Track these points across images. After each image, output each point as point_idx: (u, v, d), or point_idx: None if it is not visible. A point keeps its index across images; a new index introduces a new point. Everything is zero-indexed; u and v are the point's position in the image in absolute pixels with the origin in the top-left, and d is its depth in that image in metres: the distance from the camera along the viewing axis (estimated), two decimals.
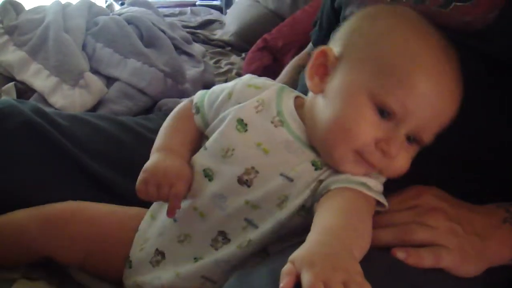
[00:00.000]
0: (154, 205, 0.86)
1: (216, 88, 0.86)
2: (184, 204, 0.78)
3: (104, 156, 0.97)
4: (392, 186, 0.75)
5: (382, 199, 0.70)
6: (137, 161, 0.96)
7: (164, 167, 0.78)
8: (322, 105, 0.73)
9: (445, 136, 0.82)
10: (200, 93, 0.87)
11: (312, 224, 0.61)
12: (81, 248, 0.84)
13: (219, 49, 2.41)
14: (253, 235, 0.73)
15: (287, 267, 0.53)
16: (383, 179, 0.74)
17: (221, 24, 2.85)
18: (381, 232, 0.69)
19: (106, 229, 0.85)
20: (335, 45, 0.75)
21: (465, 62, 0.82)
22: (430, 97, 0.68)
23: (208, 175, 0.77)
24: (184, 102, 0.89)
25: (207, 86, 1.65)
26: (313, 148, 0.74)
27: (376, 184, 0.71)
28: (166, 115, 1.18)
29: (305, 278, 0.50)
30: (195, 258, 0.77)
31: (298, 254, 0.55)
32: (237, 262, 0.74)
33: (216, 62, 2.19)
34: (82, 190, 0.93)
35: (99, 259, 0.85)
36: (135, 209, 0.89)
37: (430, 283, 0.67)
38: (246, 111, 0.77)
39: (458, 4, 0.82)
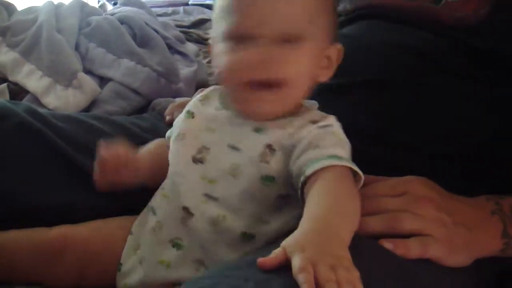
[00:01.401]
0: (145, 209, 0.87)
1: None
2: (158, 191, 0.84)
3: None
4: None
5: (355, 167, 0.70)
6: None
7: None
8: None
9: (433, 130, 0.83)
10: None
11: (304, 213, 0.63)
12: (74, 273, 0.85)
13: None
14: (214, 206, 0.75)
15: (277, 250, 0.55)
16: (335, 127, 0.75)
17: None
18: (370, 220, 0.70)
19: (96, 247, 0.86)
20: None
21: (456, 57, 0.83)
22: (237, 4, 0.74)
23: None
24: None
25: (201, 85, 1.66)
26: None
27: (342, 150, 0.72)
28: (160, 114, 1.19)
29: (295, 261, 0.52)
30: (172, 242, 0.78)
31: (289, 239, 0.56)
32: (220, 242, 0.75)
33: (209, 62, 2.17)
34: (77, 191, 0.93)
35: (93, 275, 0.86)
36: (121, 218, 0.90)
37: (419, 271, 0.68)
38: (193, 104, 0.85)
39: (450, 0, 0.83)
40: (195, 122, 0.82)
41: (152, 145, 0.92)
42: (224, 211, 0.75)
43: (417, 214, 0.70)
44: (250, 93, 0.74)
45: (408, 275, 0.66)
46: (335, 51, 0.80)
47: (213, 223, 0.75)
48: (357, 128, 0.77)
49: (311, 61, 0.75)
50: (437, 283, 0.70)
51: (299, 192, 0.69)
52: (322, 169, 0.68)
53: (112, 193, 0.94)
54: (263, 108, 0.76)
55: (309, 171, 0.68)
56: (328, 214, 0.61)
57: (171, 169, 0.82)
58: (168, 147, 0.86)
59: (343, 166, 0.69)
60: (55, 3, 1.71)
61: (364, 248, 0.63)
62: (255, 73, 0.72)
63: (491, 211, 0.76)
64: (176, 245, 0.78)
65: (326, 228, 0.58)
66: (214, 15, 0.79)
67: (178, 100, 1.40)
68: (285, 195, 0.74)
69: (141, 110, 1.49)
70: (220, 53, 0.76)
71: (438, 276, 0.70)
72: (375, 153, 0.80)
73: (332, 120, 0.76)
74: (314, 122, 0.75)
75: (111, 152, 0.83)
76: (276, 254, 0.55)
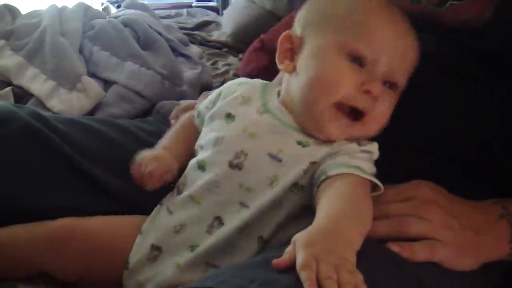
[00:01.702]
0: (157, 207, 0.87)
1: (212, 92, 0.92)
2: (180, 196, 0.82)
3: (104, 160, 0.96)
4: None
5: (377, 181, 0.71)
6: None
7: (151, 153, 0.85)
8: (297, 79, 0.78)
9: (434, 130, 0.82)
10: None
11: (317, 210, 0.63)
12: (80, 264, 0.84)
13: (216, 50, 2.41)
14: (246, 215, 0.74)
15: (289, 247, 0.56)
16: (375, 156, 0.76)
17: (218, 25, 2.84)
18: (377, 224, 0.70)
19: (105, 241, 0.85)
20: (295, 28, 0.82)
21: (458, 59, 0.83)
22: (394, 40, 0.75)
23: (201, 166, 0.81)
24: (192, 111, 0.95)
25: (205, 88, 1.66)
26: (299, 130, 0.77)
27: (370, 167, 0.73)
28: (165, 117, 1.19)
29: (300, 255, 0.53)
30: (191, 246, 0.77)
31: (299, 234, 0.57)
32: (237, 245, 0.75)
33: (213, 64, 2.18)
34: (82, 195, 0.93)
35: (99, 270, 0.85)
36: (131, 217, 0.89)
37: (427, 275, 0.67)
38: (231, 105, 0.83)
39: (454, 2, 0.82)
40: (234, 126, 0.80)
41: (181, 129, 0.94)
42: (253, 219, 0.74)
43: (425, 218, 0.70)
44: (337, 115, 0.74)
45: (410, 277, 0.65)
46: None
47: (238, 230, 0.75)
48: None
49: (391, 110, 0.78)
50: (442, 286, 0.70)
51: (314, 190, 0.70)
52: (343, 174, 0.69)
53: (117, 196, 0.94)
54: (339, 134, 0.75)
55: (331, 172, 0.69)
56: (342, 215, 0.62)
57: (206, 176, 0.79)
58: (196, 127, 0.89)
59: (364, 178, 0.70)
60: (59, 6, 1.71)
61: (368, 250, 0.62)
62: (362, 102, 0.73)
63: (499, 215, 0.76)
64: (191, 247, 0.77)
65: (337, 228, 0.59)
66: (333, 17, 0.78)
67: (183, 102, 1.40)
68: (307, 206, 0.73)
69: (146, 113, 1.49)
70: (334, 65, 0.74)
71: (443, 279, 0.70)
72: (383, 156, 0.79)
73: (375, 147, 0.77)
74: (359, 144, 0.75)
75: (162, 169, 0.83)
76: (288, 253, 0.55)
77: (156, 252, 0.81)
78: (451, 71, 0.83)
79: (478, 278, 0.74)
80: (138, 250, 0.84)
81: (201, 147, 0.84)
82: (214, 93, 0.89)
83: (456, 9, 0.82)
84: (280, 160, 0.75)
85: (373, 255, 0.64)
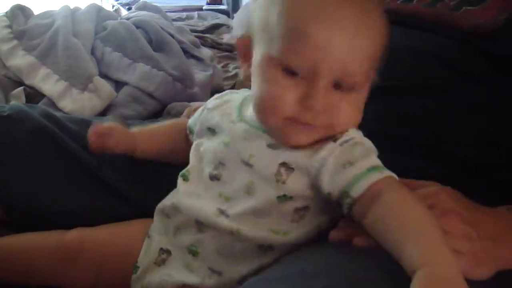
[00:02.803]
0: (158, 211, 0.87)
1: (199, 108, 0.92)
2: (170, 204, 0.82)
3: (115, 161, 0.96)
4: None
5: (394, 176, 0.69)
6: (148, 166, 0.96)
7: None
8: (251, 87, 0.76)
9: (450, 135, 0.82)
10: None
11: (396, 246, 0.60)
12: (91, 274, 0.85)
13: (227, 53, 2.40)
14: (230, 222, 0.74)
15: None
16: (358, 138, 0.73)
17: (229, 28, 2.84)
18: None
19: (114, 250, 0.86)
20: (251, 30, 0.77)
21: (474, 63, 0.82)
22: (329, 42, 0.66)
23: (185, 175, 0.82)
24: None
25: (216, 90, 1.66)
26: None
27: (374, 160, 0.71)
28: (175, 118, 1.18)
29: None
30: (189, 250, 0.77)
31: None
32: (237, 252, 0.74)
33: (224, 66, 2.18)
34: (93, 196, 0.93)
35: (109, 279, 0.85)
36: (139, 221, 0.90)
37: None
38: (212, 119, 0.83)
39: (468, 8, 0.82)
40: (215, 139, 0.81)
41: (166, 127, 0.98)
42: (237, 225, 0.73)
43: (444, 230, 0.69)
44: (292, 125, 0.71)
45: None
46: None
47: (228, 236, 0.74)
48: (374, 134, 0.76)
49: (358, 110, 0.73)
50: None
51: (345, 211, 0.68)
52: (373, 188, 0.66)
53: (128, 197, 0.94)
54: (302, 141, 0.72)
55: (354, 191, 0.67)
56: (434, 249, 0.59)
57: (185, 187, 0.81)
58: (186, 137, 0.91)
59: (387, 177, 0.68)
60: (71, 7, 1.72)
61: (386, 261, 0.61)
62: (308, 117, 0.69)
63: None
64: (191, 251, 0.77)
65: (446, 270, 0.56)
66: (267, 28, 0.71)
67: (194, 104, 1.40)
68: (302, 207, 0.72)
69: (156, 114, 1.49)
70: (273, 82, 0.70)
71: None
72: (390, 159, 0.79)
73: (352, 132, 0.73)
74: (334, 139, 0.72)
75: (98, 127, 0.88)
76: None
77: (164, 255, 0.81)
78: (469, 76, 0.83)
79: (492, 285, 0.73)
80: (146, 254, 0.84)
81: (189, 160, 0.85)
82: (199, 110, 0.90)
83: (471, 13, 0.82)
84: (251, 166, 0.74)
85: (390, 266, 0.63)
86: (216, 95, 0.90)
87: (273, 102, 0.70)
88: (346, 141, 0.72)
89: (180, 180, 0.82)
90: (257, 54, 0.73)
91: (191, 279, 0.77)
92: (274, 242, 0.73)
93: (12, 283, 0.85)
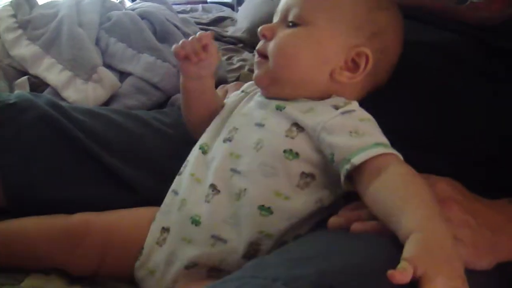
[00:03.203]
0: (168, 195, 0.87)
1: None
2: (181, 176, 0.86)
3: (120, 151, 0.96)
4: None
5: (399, 155, 0.71)
6: (154, 155, 0.96)
7: None
8: None
9: (458, 129, 0.82)
10: None
11: (394, 212, 0.62)
12: (96, 259, 0.85)
13: (231, 46, 2.40)
14: (237, 180, 0.77)
15: (406, 265, 0.53)
16: (359, 113, 0.78)
17: (233, 21, 2.84)
18: None
19: (120, 236, 0.86)
20: None
21: (481, 57, 0.82)
22: None
23: (203, 149, 0.85)
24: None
25: (220, 82, 1.65)
26: (279, 100, 0.83)
27: (383, 138, 0.74)
28: (180, 110, 1.18)
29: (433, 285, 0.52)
30: (192, 220, 0.78)
31: (417, 256, 0.54)
32: (241, 217, 0.76)
33: (228, 59, 2.18)
34: (97, 185, 0.93)
35: (114, 265, 0.85)
36: (146, 209, 0.90)
37: None
38: (236, 103, 0.91)
39: (474, 1, 0.82)
40: (235, 114, 0.88)
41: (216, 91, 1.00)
42: (246, 183, 0.76)
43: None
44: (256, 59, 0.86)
45: None
46: (363, 56, 0.80)
47: (236, 197, 0.76)
48: (381, 128, 0.77)
49: (311, 48, 0.82)
50: None
51: (342, 177, 0.70)
52: (377, 159, 0.68)
53: (132, 187, 0.94)
54: (257, 73, 0.85)
55: (356, 159, 0.68)
56: (432, 218, 0.60)
57: (205, 158, 0.84)
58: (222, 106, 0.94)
59: (391, 153, 0.70)
60: None
61: (384, 249, 0.61)
62: (260, 46, 0.85)
63: None
64: (194, 221, 0.77)
65: (440, 237, 0.57)
66: None
67: None
68: (309, 174, 0.75)
69: (161, 105, 1.48)
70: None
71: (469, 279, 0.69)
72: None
73: (354, 105, 0.78)
74: (336, 107, 0.77)
75: (205, 34, 0.88)
76: (405, 269, 0.52)
77: (165, 234, 0.81)
78: (473, 69, 0.83)
79: (492, 278, 0.73)
80: (150, 237, 0.84)
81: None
82: (237, 92, 0.97)
83: (477, 7, 0.82)
84: (263, 125, 0.79)
85: (388, 252, 0.63)
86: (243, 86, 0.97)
87: None
88: (347, 111, 0.76)
89: (199, 155, 0.85)
90: None
91: (190, 251, 0.77)
92: (274, 205, 0.75)
93: (15, 266, 0.84)
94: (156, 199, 0.89)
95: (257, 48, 0.85)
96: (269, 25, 0.85)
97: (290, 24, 0.84)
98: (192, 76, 0.89)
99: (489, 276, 0.71)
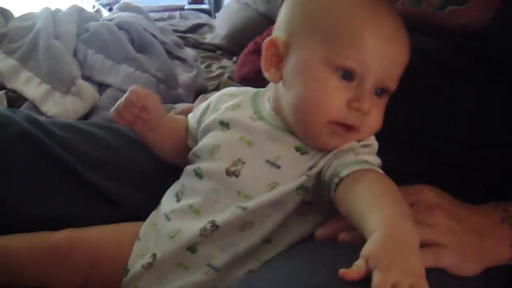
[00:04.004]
0: (153, 213, 0.86)
1: (201, 104, 0.91)
2: (179, 204, 0.80)
3: (101, 165, 0.95)
4: None
5: (383, 174, 0.70)
6: (135, 168, 0.95)
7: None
8: (285, 90, 0.75)
9: (439, 134, 0.82)
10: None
11: (362, 216, 0.61)
12: (80, 275, 0.83)
13: (210, 53, 2.40)
14: (246, 217, 0.73)
15: (359, 262, 0.54)
16: (375, 148, 0.76)
17: (211, 27, 2.84)
18: None
19: (104, 251, 0.84)
20: (279, 32, 0.77)
21: (463, 62, 0.82)
22: (382, 48, 0.70)
23: (198, 173, 0.79)
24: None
25: (200, 91, 1.65)
26: (294, 135, 0.76)
27: (375, 159, 0.73)
28: None
29: (376, 278, 0.51)
30: (187, 246, 0.76)
31: (369, 249, 0.55)
32: (240, 246, 0.74)
33: (207, 66, 2.17)
34: (79, 200, 0.92)
35: (99, 280, 0.84)
36: (129, 224, 0.88)
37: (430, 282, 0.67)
38: (224, 113, 0.82)
39: (454, 7, 0.82)
40: (230, 133, 0.79)
41: (174, 117, 0.94)
42: (253, 218, 0.74)
43: (429, 224, 0.69)
44: (331, 129, 0.72)
45: None
46: None
47: (239, 229, 0.74)
48: None
49: (382, 114, 0.75)
50: None
51: (332, 193, 0.69)
52: (359, 172, 0.68)
53: (114, 202, 0.93)
54: (338, 144, 0.73)
55: (344, 172, 0.68)
56: (396, 217, 0.60)
57: (204, 185, 0.79)
58: (186, 130, 0.88)
59: (377, 170, 0.69)
60: (52, 9, 1.70)
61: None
62: (354, 119, 0.71)
63: (500, 219, 0.75)
64: (190, 248, 0.76)
65: (400, 234, 0.57)
66: (320, 29, 0.72)
67: (178, 106, 1.40)
68: (308, 202, 0.73)
69: None
70: (322, 83, 0.71)
71: (447, 285, 0.69)
72: (383, 159, 0.79)
73: (372, 139, 0.76)
74: (358, 140, 0.74)
75: (138, 92, 0.82)
76: (358, 267, 0.53)
77: (151, 259, 0.80)
78: (454, 73, 0.83)
79: (481, 283, 0.74)
80: (137, 257, 0.83)
81: (197, 156, 0.83)
82: (203, 105, 0.89)
83: (456, 13, 0.82)
84: (279, 167, 0.74)
85: None
86: (219, 92, 0.90)
87: (321, 105, 0.71)
88: (366, 145, 0.74)
89: (193, 178, 0.81)
90: (303, 53, 0.73)
91: (184, 277, 0.76)
92: (273, 236, 0.74)
93: None
94: (139, 213, 0.88)
95: (352, 123, 0.71)
96: (365, 95, 0.71)
97: (379, 91, 0.73)
98: (144, 132, 0.86)
99: (477, 281, 0.71)
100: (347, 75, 0.70)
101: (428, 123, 0.83)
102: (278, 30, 0.77)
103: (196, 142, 0.86)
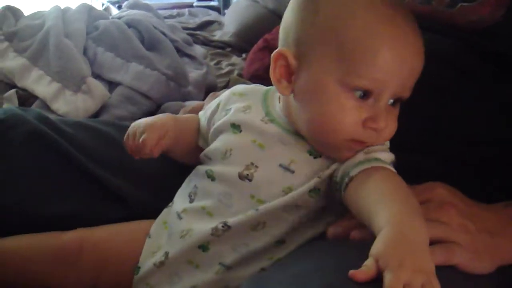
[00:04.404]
0: (165, 211, 0.86)
1: (211, 103, 0.90)
2: (192, 204, 0.80)
3: (112, 163, 0.95)
4: None
5: (394, 171, 0.70)
6: (143, 167, 0.95)
7: (146, 120, 0.84)
8: (297, 107, 0.74)
9: (450, 132, 0.82)
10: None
11: (371, 214, 0.61)
12: (91, 276, 0.83)
13: (219, 50, 2.39)
14: (258, 217, 0.73)
15: (369, 262, 0.53)
16: (387, 144, 0.75)
17: (220, 24, 2.83)
18: None
19: (115, 251, 0.85)
20: (287, 42, 0.74)
21: (473, 60, 0.82)
22: (401, 62, 0.68)
23: (210, 175, 0.79)
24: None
25: (210, 88, 1.65)
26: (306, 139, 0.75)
27: (388, 156, 0.72)
28: None
29: (388, 278, 0.51)
30: (198, 245, 0.76)
31: (379, 249, 0.54)
32: (252, 246, 0.74)
33: (216, 64, 2.17)
34: (90, 199, 0.92)
35: (110, 280, 0.84)
36: (139, 222, 0.89)
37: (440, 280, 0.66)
38: (235, 115, 0.81)
39: (465, 4, 0.82)
40: (242, 137, 0.79)
41: (185, 117, 0.92)
42: (266, 218, 0.73)
43: (442, 222, 0.69)
44: (348, 145, 0.71)
45: None
46: None
47: (251, 228, 0.74)
48: None
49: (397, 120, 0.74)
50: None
51: (342, 193, 0.69)
52: (368, 169, 0.68)
53: (125, 200, 0.93)
54: (351, 156, 0.72)
55: (354, 171, 0.68)
56: (404, 216, 0.59)
57: (217, 188, 0.78)
58: (197, 130, 0.88)
59: (386, 167, 0.69)
60: (62, 7, 1.70)
61: None
62: (369, 137, 0.70)
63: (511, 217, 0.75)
64: (202, 247, 0.76)
65: (409, 232, 0.57)
66: (335, 48, 0.69)
67: (188, 103, 1.40)
68: (322, 206, 0.73)
69: (151, 114, 1.47)
70: (337, 104, 0.69)
71: (459, 283, 0.69)
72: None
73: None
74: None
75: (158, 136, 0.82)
76: (368, 267, 0.53)
77: (163, 257, 0.80)
78: (464, 72, 0.83)
79: (492, 281, 0.73)
80: (148, 255, 0.83)
81: (209, 158, 0.82)
82: (213, 104, 0.88)
83: (467, 10, 0.82)
84: (293, 172, 0.74)
85: None
86: (227, 90, 0.89)
87: (337, 125, 0.70)
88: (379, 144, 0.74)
89: (205, 180, 0.80)
90: (312, 74, 0.71)
91: (195, 275, 0.76)
92: (288, 237, 0.73)
93: (8, 287, 0.83)
94: (148, 212, 0.88)
95: (368, 141, 0.71)
96: (381, 113, 0.69)
97: (392, 101, 0.71)
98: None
99: (488, 279, 0.71)
100: (364, 94, 0.69)
101: (439, 122, 0.83)
102: (286, 40, 0.75)
103: (207, 142, 0.85)
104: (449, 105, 0.83)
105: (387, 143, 0.76)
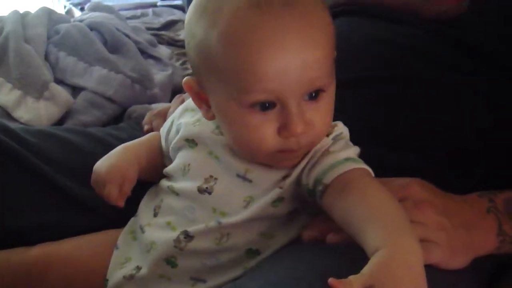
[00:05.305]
0: (131, 221, 0.86)
1: (166, 122, 0.89)
2: (156, 219, 0.80)
3: (76, 172, 0.94)
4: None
5: (369, 169, 0.68)
6: None
7: (106, 167, 0.83)
8: (221, 127, 0.74)
9: (423, 124, 0.82)
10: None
11: (361, 229, 0.59)
12: None
13: (184, 50, 2.37)
14: (221, 229, 0.72)
15: (357, 279, 0.51)
16: (347, 135, 0.74)
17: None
18: None
19: (83, 264, 0.83)
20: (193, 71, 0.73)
21: (443, 50, 0.82)
22: (286, 63, 0.62)
23: (173, 191, 0.78)
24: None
25: (177, 90, 1.63)
26: None
27: (354, 150, 0.71)
28: (137, 123, 1.17)
29: None
30: (166, 260, 0.75)
31: (377, 273, 0.52)
32: (222, 258, 0.73)
33: (182, 64, 2.14)
34: (56, 209, 0.91)
35: None
36: (107, 233, 0.88)
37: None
38: (187, 130, 0.80)
39: None
40: (198, 150, 0.77)
41: (146, 140, 0.92)
42: (229, 230, 0.72)
43: (418, 222, 0.68)
44: (278, 156, 0.69)
45: None
46: None
47: (215, 242, 0.72)
48: (347, 125, 0.75)
49: (330, 111, 0.70)
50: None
51: (318, 200, 0.67)
52: (343, 176, 0.66)
53: (92, 209, 0.92)
54: (292, 163, 0.70)
55: (327, 178, 0.66)
56: (399, 234, 0.57)
57: (180, 203, 0.77)
58: (160, 148, 0.87)
59: (361, 168, 0.67)
60: (21, 12, 1.66)
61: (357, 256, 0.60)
62: (292, 144, 0.67)
63: (486, 209, 0.75)
64: (170, 263, 0.75)
65: (406, 256, 0.55)
66: (216, 69, 0.66)
67: (155, 106, 1.38)
68: (293, 210, 0.72)
69: (117, 118, 1.46)
70: (244, 124, 0.66)
71: (435, 279, 0.69)
72: (363, 151, 0.78)
73: (341, 127, 0.73)
74: (327, 134, 0.71)
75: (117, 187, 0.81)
76: (350, 282, 0.50)
77: (134, 271, 0.79)
78: (434, 62, 0.83)
79: (467, 274, 0.73)
80: (116, 266, 0.82)
81: (171, 175, 0.81)
82: (168, 122, 0.87)
83: (435, 0, 0.83)
84: (250, 181, 0.72)
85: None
86: (181, 106, 0.87)
87: (253, 142, 0.67)
88: (338, 137, 0.72)
89: (169, 195, 0.79)
90: (214, 96, 0.69)
91: (172, 287, 0.75)
92: (261, 246, 0.72)
93: None
94: (117, 219, 0.87)
95: (292, 148, 0.67)
96: (292, 118, 0.64)
97: (314, 94, 0.66)
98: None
99: (463, 273, 0.71)
100: (267, 105, 0.65)
101: (412, 114, 0.83)
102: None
103: (171, 161, 0.84)
104: (428, 97, 0.83)
105: (346, 132, 0.73)
